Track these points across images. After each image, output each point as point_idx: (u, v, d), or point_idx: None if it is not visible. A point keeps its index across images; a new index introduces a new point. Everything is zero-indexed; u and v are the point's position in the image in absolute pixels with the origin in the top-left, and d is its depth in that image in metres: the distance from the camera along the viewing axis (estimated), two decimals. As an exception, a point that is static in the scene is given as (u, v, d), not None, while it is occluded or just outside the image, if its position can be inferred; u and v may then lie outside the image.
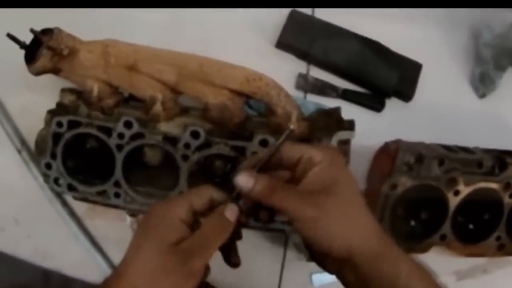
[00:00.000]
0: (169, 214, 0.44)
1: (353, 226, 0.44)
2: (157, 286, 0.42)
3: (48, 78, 0.63)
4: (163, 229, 0.44)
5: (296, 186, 0.45)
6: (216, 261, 0.46)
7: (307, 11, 0.74)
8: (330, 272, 0.47)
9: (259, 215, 0.48)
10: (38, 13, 0.68)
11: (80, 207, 0.69)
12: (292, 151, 0.46)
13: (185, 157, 0.60)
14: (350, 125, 0.61)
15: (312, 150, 0.46)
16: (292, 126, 0.45)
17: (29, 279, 0.83)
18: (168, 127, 0.61)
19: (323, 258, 0.47)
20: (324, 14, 0.74)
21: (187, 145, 0.59)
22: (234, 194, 0.46)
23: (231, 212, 0.45)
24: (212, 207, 0.46)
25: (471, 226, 0.71)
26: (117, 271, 0.43)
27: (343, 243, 0.43)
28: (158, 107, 0.60)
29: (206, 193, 0.46)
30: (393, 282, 0.43)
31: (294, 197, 0.44)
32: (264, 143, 0.59)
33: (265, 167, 0.46)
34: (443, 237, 0.66)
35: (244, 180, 0.45)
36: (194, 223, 0.45)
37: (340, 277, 0.47)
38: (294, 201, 0.44)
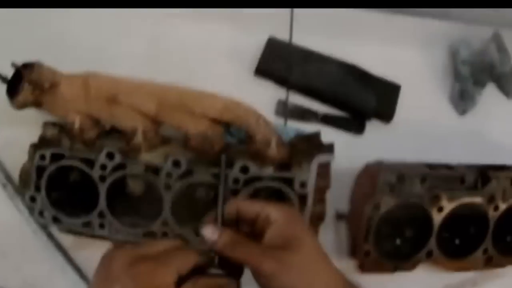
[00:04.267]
0: (157, 284, 0.43)
1: (315, 280, 0.46)
2: None
3: (31, 112, 0.64)
4: None
5: (259, 241, 0.47)
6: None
7: (284, 37, 0.75)
8: None
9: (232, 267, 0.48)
10: (19, 46, 0.69)
11: (67, 239, 0.69)
12: (248, 209, 0.49)
13: (168, 186, 0.60)
14: (329, 149, 0.62)
15: (268, 208, 0.48)
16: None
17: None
18: (149, 157, 0.61)
19: None
20: (302, 40, 0.75)
21: (169, 174, 0.60)
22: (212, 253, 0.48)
23: None
24: (194, 269, 0.46)
25: (457, 241, 0.71)
26: None
27: None
28: (139, 138, 0.61)
29: (193, 259, 0.46)
30: None
31: (256, 251, 0.46)
32: (244, 169, 0.59)
33: (228, 222, 0.49)
34: (429, 254, 0.66)
35: (209, 232, 0.48)
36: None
37: None
38: (256, 254, 0.46)
